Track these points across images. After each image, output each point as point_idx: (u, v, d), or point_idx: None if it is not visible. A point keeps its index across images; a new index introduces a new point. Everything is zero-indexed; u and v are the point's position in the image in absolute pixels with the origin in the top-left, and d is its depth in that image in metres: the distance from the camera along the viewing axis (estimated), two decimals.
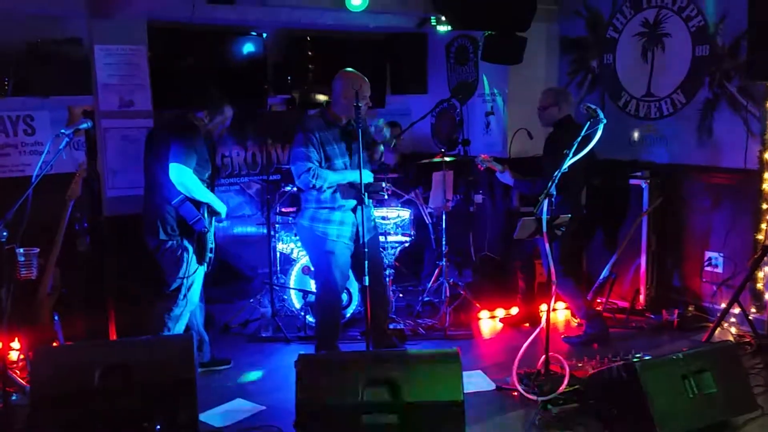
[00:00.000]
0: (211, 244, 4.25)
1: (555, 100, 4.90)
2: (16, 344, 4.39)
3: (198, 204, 4.13)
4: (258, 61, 6.11)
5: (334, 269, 4.31)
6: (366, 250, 4.01)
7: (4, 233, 3.53)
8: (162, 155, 4.11)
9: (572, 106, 4.96)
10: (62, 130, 3.98)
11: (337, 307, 4.55)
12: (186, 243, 4.17)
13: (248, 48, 6.07)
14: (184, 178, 4.03)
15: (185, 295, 4.21)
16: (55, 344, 4.33)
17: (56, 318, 4.40)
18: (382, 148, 4.46)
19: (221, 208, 4.26)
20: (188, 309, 4.26)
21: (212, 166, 4.35)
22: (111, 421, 3.42)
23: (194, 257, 4.19)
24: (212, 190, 4.32)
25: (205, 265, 4.26)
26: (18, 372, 4.24)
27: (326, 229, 4.31)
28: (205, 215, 4.15)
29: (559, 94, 4.98)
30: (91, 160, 5.15)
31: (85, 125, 4.02)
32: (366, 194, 3.86)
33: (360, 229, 4.21)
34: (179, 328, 4.24)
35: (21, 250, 4.12)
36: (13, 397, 3.79)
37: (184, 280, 4.17)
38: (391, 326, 4.98)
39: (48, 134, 5.38)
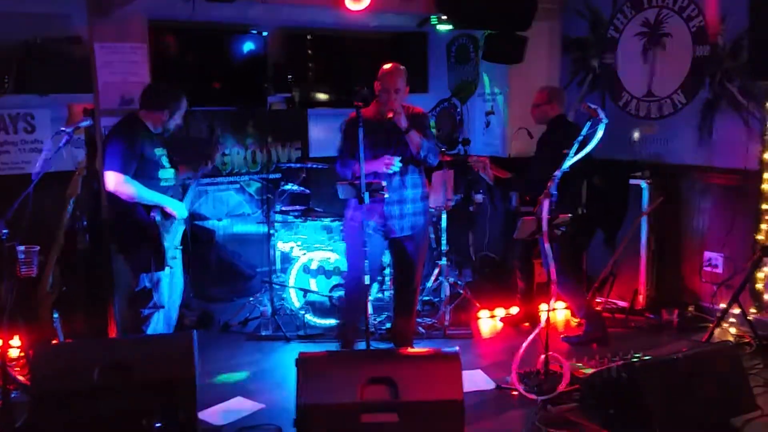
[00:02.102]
0: (169, 247, 4.10)
1: (549, 98, 4.94)
2: (16, 342, 4.39)
3: (149, 208, 4.01)
4: (258, 60, 6.11)
5: (357, 260, 4.21)
6: (367, 248, 3.97)
7: (5, 231, 3.54)
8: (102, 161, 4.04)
9: (565, 105, 5.01)
10: (62, 128, 3.98)
11: (354, 299, 4.39)
12: (143, 248, 4.05)
13: (248, 46, 6.07)
14: (120, 186, 3.92)
15: (152, 299, 4.11)
16: (54, 342, 4.33)
17: (56, 316, 4.40)
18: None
19: (177, 209, 4.13)
20: (159, 312, 4.16)
21: (173, 164, 4.22)
22: (110, 419, 3.42)
23: (153, 262, 4.05)
24: (172, 193, 4.17)
25: (168, 269, 4.12)
26: (18, 369, 4.24)
27: (352, 217, 4.30)
28: (158, 219, 4.02)
29: (553, 92, 5.01)
30: (90, 159, 5.14)
31: (85, 123, 4.02)
32: (366, 193, 3.85)
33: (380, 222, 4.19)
34: (152, 330, 4.16)
35: (21, 248, 4.12)
36: (13, 395, 3.79)
37: (147, 283, 4.08)
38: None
39: (48, 132, 5.37)
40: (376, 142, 4.18)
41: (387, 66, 4.26)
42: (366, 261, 3.91)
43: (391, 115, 4.07)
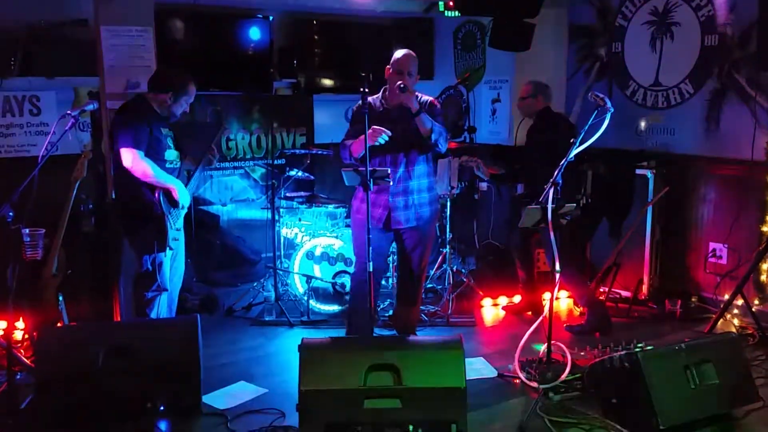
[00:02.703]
0: (173, 230, 4.11)
1: (534, 91, 5.02)
2: (20, 324, 4.41)
3: (153, 188, 4.02)
4: (264, 45, 6.08)
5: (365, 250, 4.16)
6: (369, 235, 3.95)
7: (11, 213, 3.55)
8: (114, 141, 4.04)
9: (551, 98, 5.08)
10: (68, 112, 3.99)
11: (362, 290, 4.27)
12: (148, 227, 4.06)
13: (254, 31, 6.04)
14: (137, 162, 3.94)
15: (155, 281, 4.12)
16: (59, 324, 4.35)
17: (61, 299, 4.42)
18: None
19: (182, 194, 4.11)
20: (162, 294, 4.17)
21: (177, 148, 4.23)
22: (114, 402, 3.45)
23: (156, 244, 4.05)
24: (178, 175, 4.20)
25: (169, 251, 4.13)
26: (23, 351, 4.27)
27: (358, 209, 4.28)
28: (161, 200, 4.03)
29: (538, 86, 5.09)
30: (96, 142, 5.15)
31: (90, 107, 4.03)
32: (371, 180, 3.84)
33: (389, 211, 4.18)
34: (156, 313, 4.17)
35: (27, 231, 4.13)
36: (18, 376, 3.81)
37: (149, 266, 4.09)
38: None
39: (54, 115, 5.37)
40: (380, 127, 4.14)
41: (400, 51, 4.24)
42: (371, 251, 3.89)
43: (400, 93, 3.98)
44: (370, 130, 3.90)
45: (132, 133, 3.96)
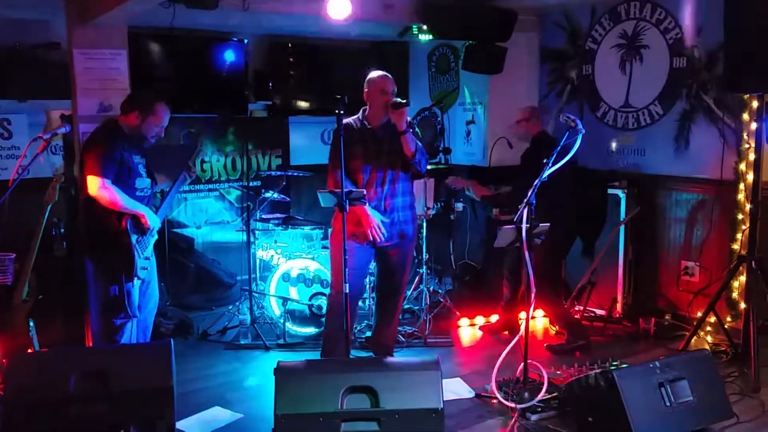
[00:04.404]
0: (141, 258, 4.03)
1: (531, 115, 5.10)
2: None
3: (121, 216, 3.93)
4: (239, 67, 6.10)
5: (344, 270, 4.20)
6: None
7: None
8: (81, 166, 3.97)
9: (540, 121, 5.17)
10: (39, 135, 3.94)
11: (340, 311, 4.24)
12: (115, 256, 3.97)
13: (229, 54, 6.05)
14: (102, 190, 3.85)
15: (124, 308, 4.04)
16: (30, 351, 4.26)
17: (32, 324, 4.33)
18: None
19: (151, 220, 4.04)
20: (132, 321, 4.10)
21: (149, 175, 4.15)
22: (87, 429, 3.37)
23: (123, 274, 3.97)
24: (148, 202, 4.12)
25: (137, 280, 4.04)
26: None
27: (340, 228, 4.24)
28: (129, 229, 3.94)
29: (532, 110, 5.20)
30: (68, 165, 5.10)
31: (63, 130, 3.98)
32: (347, 201, 3.84)
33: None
34: (126, 340, 4.10)
35: None
36: None
37: (117, 293, 4.01)
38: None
39: (25, 138, 5.32)
40: (366, 151, 4.18)
41: (377, 72, 4.27)
42: (351, 271, 3.90)
43: (394, 110, 4.03)
44: (372, 227, 4.06)
45: (100, 160, 3.87)
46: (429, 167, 5.47)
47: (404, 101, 4.09)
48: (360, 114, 4.32)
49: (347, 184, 4.01)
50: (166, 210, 4.29)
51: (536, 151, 4.95)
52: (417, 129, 4.47)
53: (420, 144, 4.22)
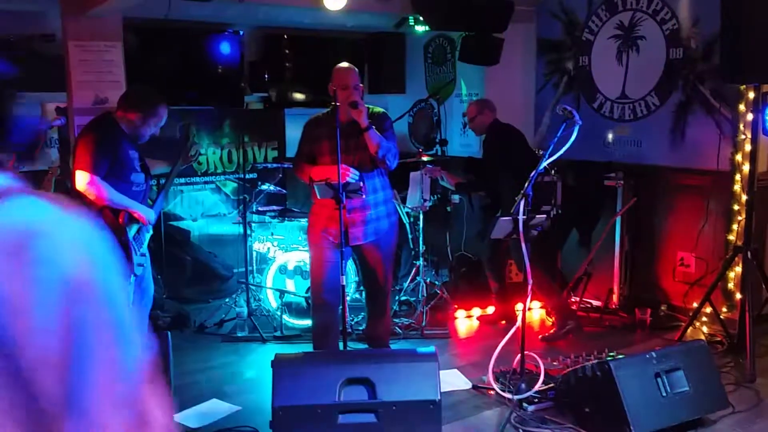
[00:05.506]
0: (137, 255, 3.96)
1: (479, 109, 5.21)
2: None
3: (117, 212, 3.84)
4: (234, 59, 6.08)
5: (320, 266, 4.15)
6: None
7: None
8: (73, 159, 3.89)
9: (495, 110, 5.23)
10: None
11: (320, 307, 4.27)
12: None
13: (225, 46, 6.03)
14: (89, 186, 3.75)
15: None
16: None
17: None
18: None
19: (146, 214, 3.96)
20: None
21: (143, 168, 4.05)
22: None
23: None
24: (144, 197, 4.04)
25: (133, 277, 3.94)
26: None
27: (314, 224, 4.20)
28: (126, 225, 3.86)
29: (481, 103, 5.31)
30: (64, 158, 5.08)
31: (58, 122, 3.97)
32: (344, 194, 3.83)
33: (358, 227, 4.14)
34: None
35: None
36: None
37: None
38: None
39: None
40: (333, 146, 3.98)
41: (341, 65, 4.18)
42: (327, 264, 3.98)
43: (355, 110, 3.92)
44: (342, 170, 3.87)
45: (91, 156, 3.77)
46: (426, 159, 5.48)
47: (353, 102, 3.93)
48: (330, 108, 4.18)
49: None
50: (162, 203, 4.25)
51: (492, 139, 5.18)
52: (408, 123, 4.43)
53: (385, 140, 4.04)
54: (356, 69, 4.17)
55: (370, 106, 4.17)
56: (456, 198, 6.08)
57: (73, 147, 4.04)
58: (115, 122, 3.96)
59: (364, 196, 4.04)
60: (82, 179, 3.78)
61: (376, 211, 4.16)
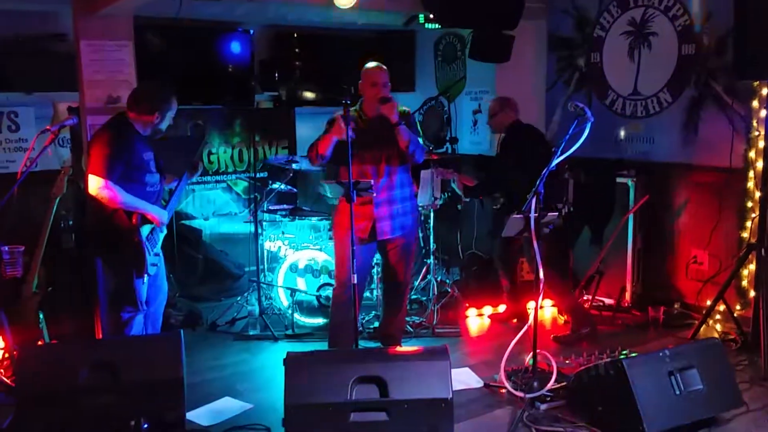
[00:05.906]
0: (151, 255, 3.97)
1: (501, 106, 5.14)
2: (0, 343, 4.35)
3: (130, 214, 3.86)
4: (245, 58, 6.09)
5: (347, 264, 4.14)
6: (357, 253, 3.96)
7: None
8: (87, 162, 3.90)
9: (518, 111, 5.16)
10: (47, 127, 3.94)
11: (341, 303, 4.31)
12: (125, 252, 3.90)
13: (235, 45, 6.04)
14: (102, 190, 3.76)
15: (133, 302, 3.99)
16: (40, 343, 4.29)
17: (41, 316, 4.36)
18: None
19: (159, 215, 3.98)
20: (140, 315, 4.06)
21: (158, 169, 4.07)
22: (97, 420, 3.40)
23: (133, 271, 3.90)
24: (157, 198, 4.05)
25: (147, 276, 3.97)
26: (2, 371, 4.20)
27: (341, 220, 4.23)
28: (139, 226, 3.88)
29: (504, 101, 5.21)
30: (76, 158, 5.10)
31: (70, 122, 3.98)
32: (354, 192, 3.83)
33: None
34: (134, 333, 4.06)
35: (6, 248, 4.08)
36: None
37: (126, 289, 3.96)
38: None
39: (32, 130, 5.33)
40: (363, 143, 4.13)
41: (370, 63, 4.24)
42: (354, 264, 3.88)
43: (385, 105, 3.99)
44: (335, 125, 3.93)
45: (105, 160, 3.78)
46: (435, 158, 5.48)
47: (385, 98, 4.02)
48: (358, 105, 4.30)
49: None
50: (175, 204, 4.27)
51: (511, 139, 5.09)
52: (417, 121, 4.44)
53: (414, 136, 4.16)
54: (385, 68, 4.23)
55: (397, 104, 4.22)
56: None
57: (87, 149, 4.05)
58: (129, 124, 3.95)
59: (374, 195, 4.06)
60: (95, 183, 3.79)
61: (402, 206, 4.26)
